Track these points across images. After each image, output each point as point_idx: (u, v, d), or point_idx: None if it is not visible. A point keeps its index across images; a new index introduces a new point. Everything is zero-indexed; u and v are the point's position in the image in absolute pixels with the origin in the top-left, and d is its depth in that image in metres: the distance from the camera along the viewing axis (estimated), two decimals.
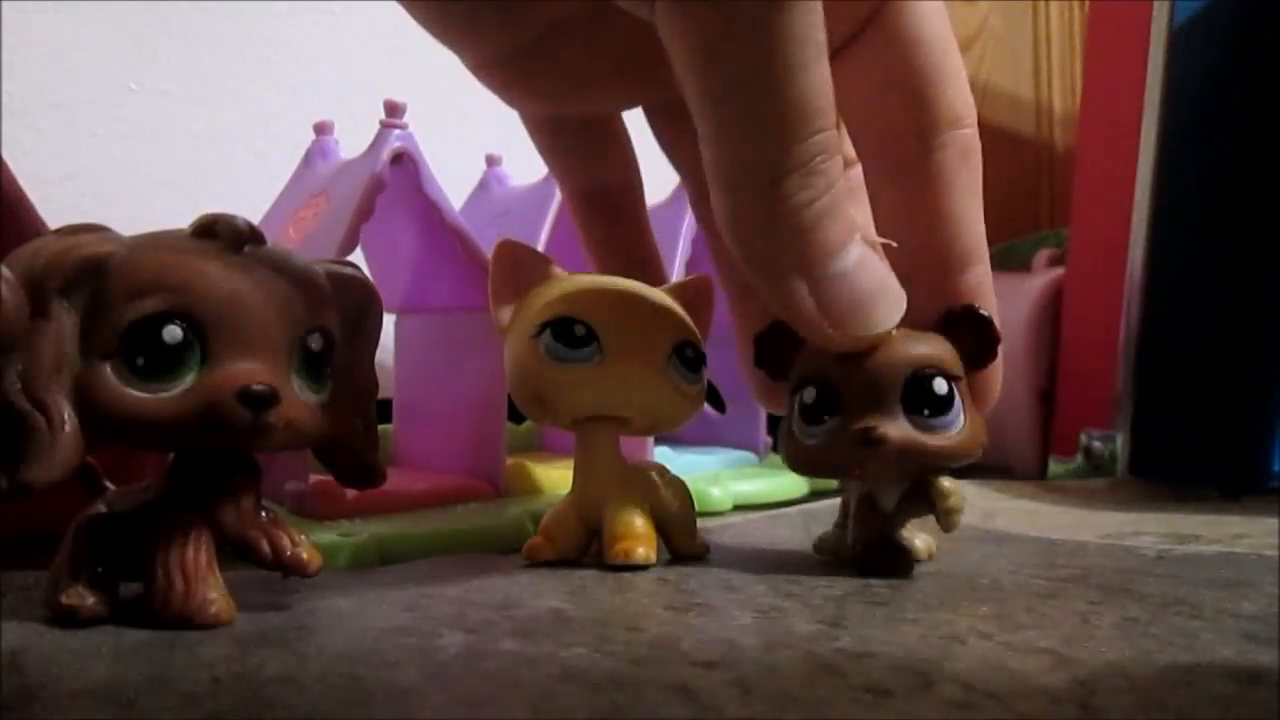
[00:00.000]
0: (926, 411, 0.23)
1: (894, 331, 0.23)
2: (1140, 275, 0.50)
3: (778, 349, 0.26)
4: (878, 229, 0.25)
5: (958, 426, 0.24)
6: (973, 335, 0.24)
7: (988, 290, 0.25)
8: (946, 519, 0.24)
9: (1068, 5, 0.87)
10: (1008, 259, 0.60)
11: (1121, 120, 0.51)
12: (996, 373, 0.25)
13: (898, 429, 0.23)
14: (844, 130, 0.26)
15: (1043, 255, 0.58)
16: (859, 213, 0.22)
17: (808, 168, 0.21)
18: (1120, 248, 0.50)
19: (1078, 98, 0.63)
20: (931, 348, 0.24)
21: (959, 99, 0.24)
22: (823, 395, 0.24)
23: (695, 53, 0.20)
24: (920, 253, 0.24)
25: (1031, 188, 0.83)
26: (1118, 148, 0.51)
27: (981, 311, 0.24)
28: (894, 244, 0.24)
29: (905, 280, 0.23)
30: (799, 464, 0.26)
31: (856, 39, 0.24)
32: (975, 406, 0.25)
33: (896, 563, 0.25)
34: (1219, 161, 0.48)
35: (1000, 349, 0.25)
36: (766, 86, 0.20)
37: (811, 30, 0.20)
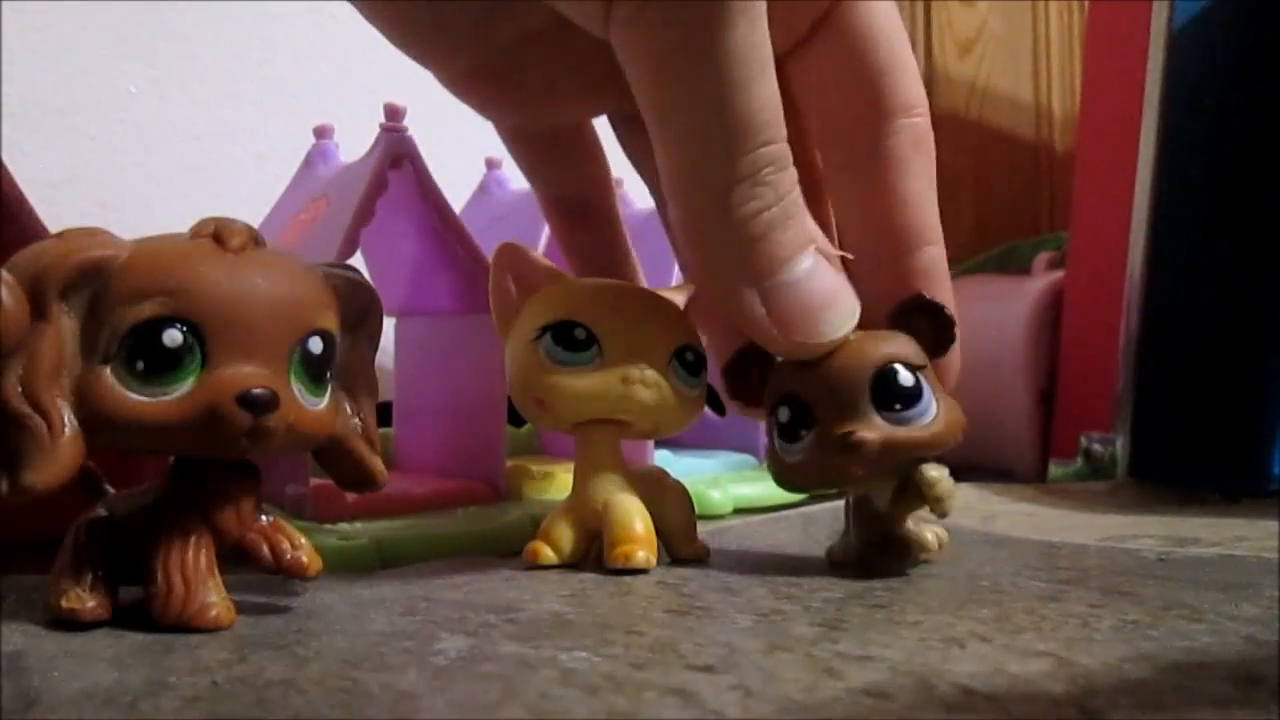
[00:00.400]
0: (898, 406, 0.24)
1: (851, 336, 0.24)
2: (1140, 277, 0.50)
3: (748, 376, 0.26)
4: (837, 218, 0.26)
5: (931, 414, 0.24)
6: (927, 323, 0.25)
7: (942, 269, 0.26)
8: (939, 506, 0.24)
9: (1067, 7, 0.87)
10: (1008, 261, 0.60)
11: (1121, 122, 0.51)
12: (954, 353, 0.25)
13: (874, 429, 0.23)
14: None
15: (1043, 258, 0.58)
16: (813, 224, 0.23)
17: (755, 179, 0.22)
18: (1120, 249, 0.50)
19: (1077, 100, 0.63)
20: (890, 344, 0.24)
21: (910, 89, 0.25)
22: (796, 411, 0.25)
23: (647, 70, 0.21)
24: (877, 236, 0.25)
25: (1031, 190, 0.83)
26: (1117, 149, 0.51)
27: (932, 299, 0.25)
28: (850, 256, 0.24)
29: (867, 266, 0.24)
30: (788, 482, 0.26)
31: (811, 36, 0.25)
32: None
33: (899, 560, 0.25)
34: (1219, 162, 0.48)
35: (956, 331, 0.25)
36: (713, 102, 0.21)
37: (756, 47, 0.21)
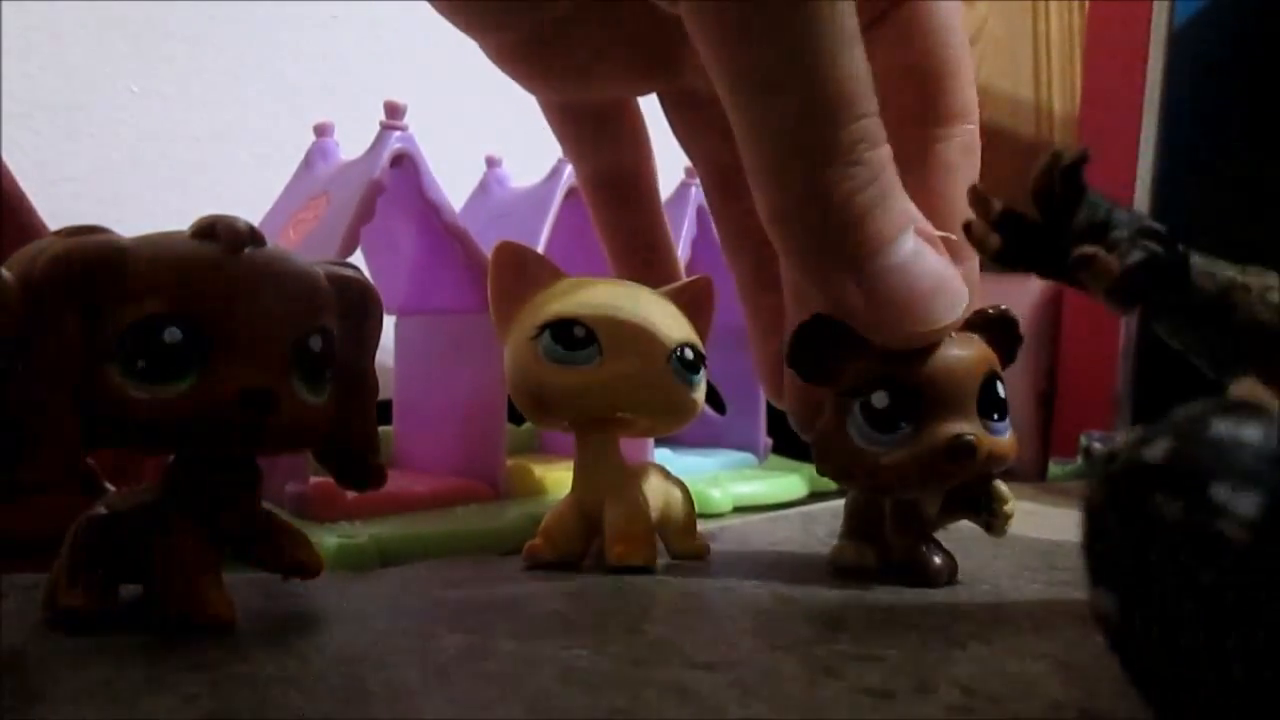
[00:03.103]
0: (995, 416, 0.23)
1: (953, 333, 0.23)
2: None
3: (819, 348, 0.23)
4: None
5: (1009, 429, 0.24)
6: (1004, 337, 0.24)
7: (974, 281, 0.25)
8: (1001, 523, 0.24)
9: (1067, 6, 0.87)
10: None
11: (1121, 121, 0.51)
12: None
13: (983, 436, 0.22)
14: None
15: None
16: (912, 204, 0.22)
17: (851, 156, 0.20)
18: None
19: (1078, 98, 0.63)
20: (985, 349, 0.23)
21: (966, 97, 0.24)
22: (898, 400, 0.23)
23: (725, 42, 0.20)
24: None
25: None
26: (1117, 149, 0.51)
27: (1012, 314, 0.24)
28: (953, 237, 0.22)
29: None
30: (857, 474, 0.24)
31: (872, 28, 0.24)
32: None
33: (948, 568, 0.24)
34: (1219, 162, 0.48)
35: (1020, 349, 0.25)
36: (802, 72, 0.19)
37: (845, 15, 0.20)
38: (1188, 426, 0.11)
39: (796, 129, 0.20)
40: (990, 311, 0.24)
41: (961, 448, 0.22)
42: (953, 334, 0.23)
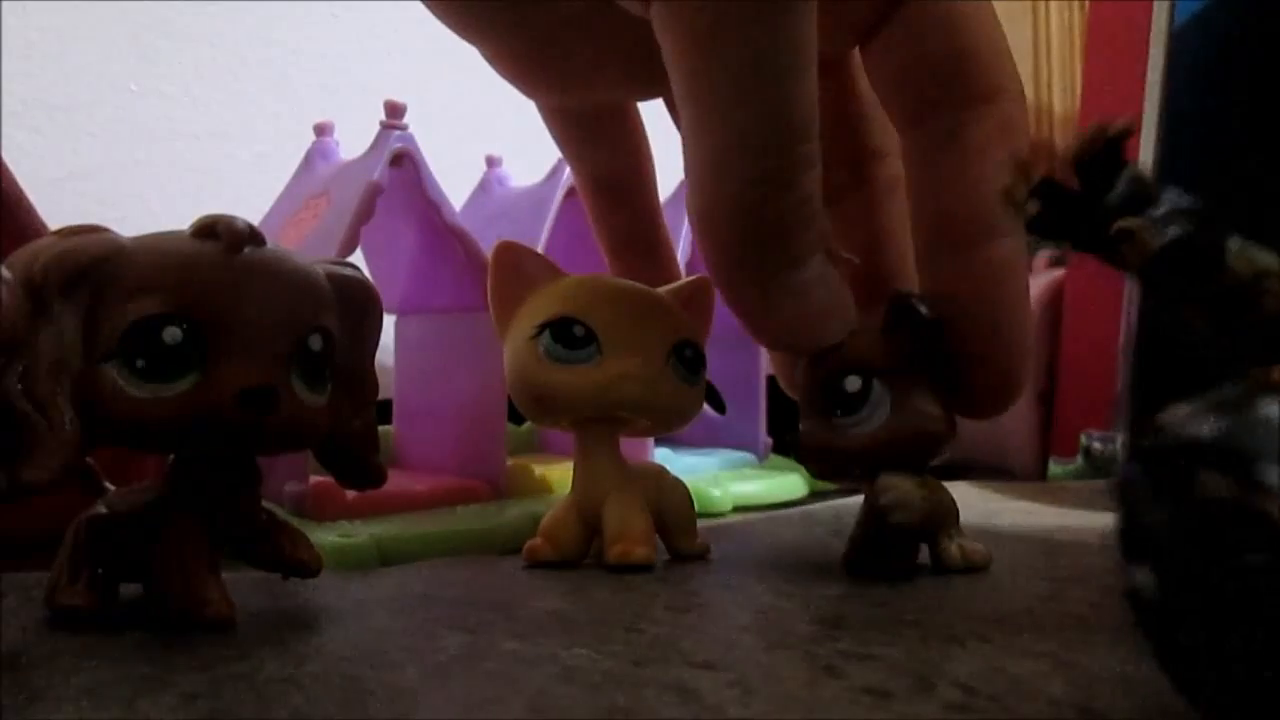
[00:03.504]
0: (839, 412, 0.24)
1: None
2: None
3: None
4: (911, 203, 0.25)
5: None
6: (910, 331, 0.24)
7: (1012, 261, 0.24)
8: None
9: (1068, 6, 0.87)
10: None
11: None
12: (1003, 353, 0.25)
13: None
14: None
15: (1043, 257, 0.58)
16: (828, 226, 0.23)
17: (786, 178, 0.21)
18: None
19: (1078, 99, 0.63)
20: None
21: (992, 74, 0.24)
22: (869, 382, 0.24)
23: (682, 51, 0.20)
24: (948, 225, 0.24)
25: None
26: None
27: (920, 309, 0.24)
28: (855, 260, 0.24)
29: (935, 256, 0.24)
30: (843, 464, 0.25)
31: (888, 19, 0.24)
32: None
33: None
34: (1219, 162, 0.48)
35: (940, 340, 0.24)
36: (748, 90, 0.20)
37: (801, 40, 0.20)
38: (1234, 404, 0.11)
39: (736, 143, 0.21)
40: (896, 301, 0.24)
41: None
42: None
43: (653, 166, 0.31)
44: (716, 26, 0.20)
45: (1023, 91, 0.25)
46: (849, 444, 0.24)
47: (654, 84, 0.27)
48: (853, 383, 0.24)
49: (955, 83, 0.24)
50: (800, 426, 0.25)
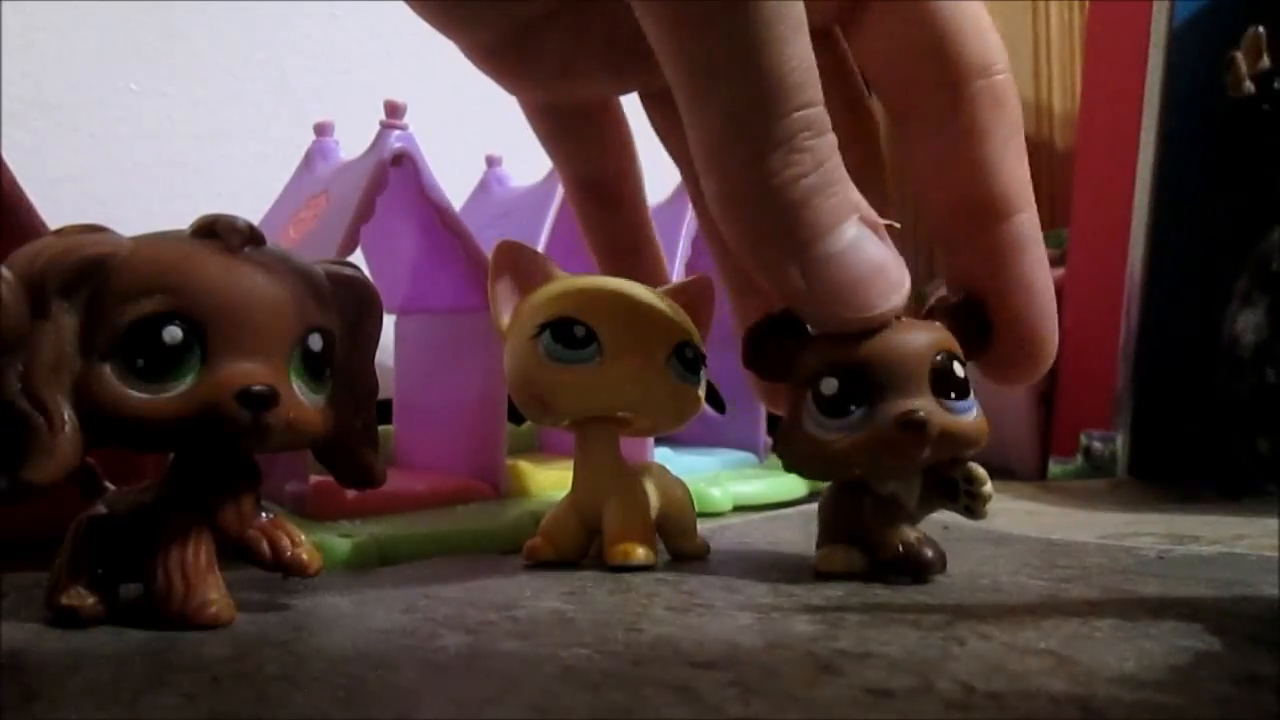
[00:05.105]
0: (953, 395, 0.23)
1: (900, 319, 0.23)
2: (1140, 275, 0.50)
3: (769, 347, 0.24)
4: (920, 193, 0.25)
5: (975, 410, 0.24)
6: (970, 324, 0.24)
7: (1032, 237, 0.24)
8: (981, 505, 0.24)
9: (1068, 6, 0.87)
10: None
11: (1121, 120, 0.51)
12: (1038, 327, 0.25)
13: (937, 413, 0.23)
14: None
15: None
16: (856, 192, 0.22)
17: (792, 144, 0.20)
18: (1120, 248, 0.50)
19: (1078, 98, 0.63)
20: (943, 332, 0.24)
21: (983, 47, 0.24)
22: (848, 384, 0.23)
23: (671, 33, 0.20)
24: (961, 207, 0.24)
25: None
26: (1117, 148, 0.51)
27: (975, 299, 0.24)
28: (897, 225, 0.23)
29: (953, 239, 0.24)
30: (816, 463, 0.24)
31: (861, 15, 0.24)
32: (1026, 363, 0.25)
33: (940, 557, 0.24)
34: (1219, 162, 0.48)
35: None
36: (744, 61, 0.20)
37: (788, 5, 0.20)
38: None
39: (739, 116, 0.20)
40: (952, 298, 0.24)
41: (912, 421, 0.22)
42: (903, 319, 0.23)
43: (639, 168, 0.31)
44: (698, 2, 0.20)
45: (1008, 65, 0.24)
46: (972, 429, 0.23)
47: (632, 76, 0.27)
48: (959, 367, 0.23)
49: (949, 58, 0.24)
50: (911, 401, 0.23)
